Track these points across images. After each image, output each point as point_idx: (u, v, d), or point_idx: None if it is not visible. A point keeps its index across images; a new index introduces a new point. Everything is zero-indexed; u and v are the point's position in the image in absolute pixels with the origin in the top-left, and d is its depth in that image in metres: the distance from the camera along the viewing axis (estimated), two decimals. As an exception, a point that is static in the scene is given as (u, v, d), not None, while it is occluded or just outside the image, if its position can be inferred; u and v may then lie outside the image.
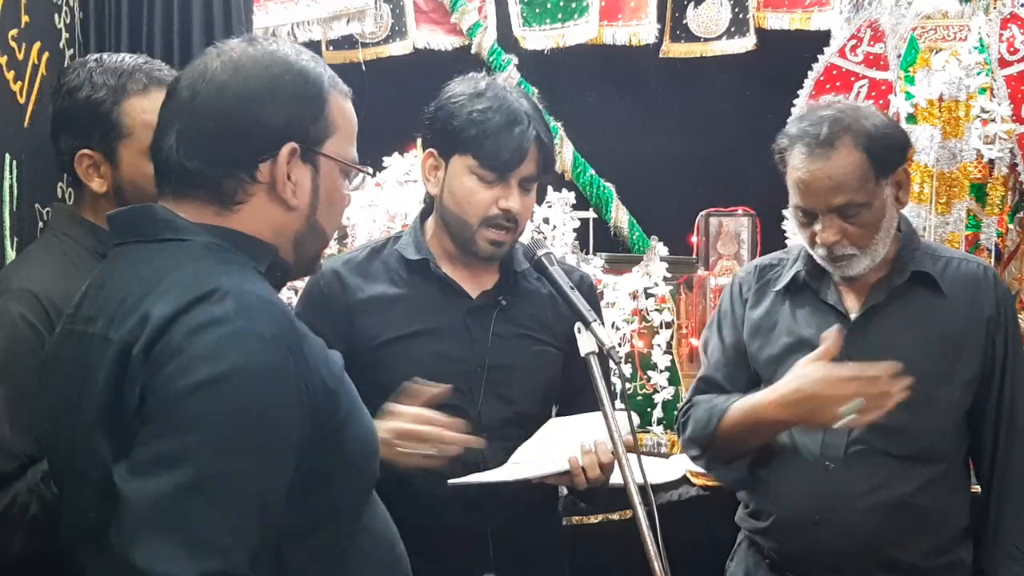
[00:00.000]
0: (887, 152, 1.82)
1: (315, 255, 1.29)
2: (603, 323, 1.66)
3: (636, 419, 2.73)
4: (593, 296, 1.97)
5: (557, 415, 1.94)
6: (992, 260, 2.90)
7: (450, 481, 1.68)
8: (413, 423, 1.58)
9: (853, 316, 1.89)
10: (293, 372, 1.07)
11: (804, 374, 1.75)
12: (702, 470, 2.24)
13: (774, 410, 1.79)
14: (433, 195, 1.84)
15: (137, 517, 1.00)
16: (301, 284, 2.74)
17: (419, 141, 1.89)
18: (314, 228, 1.25)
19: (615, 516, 2.47)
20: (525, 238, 2.99)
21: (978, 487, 1.95)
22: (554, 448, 1.70)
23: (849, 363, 1.75)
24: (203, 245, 1.15)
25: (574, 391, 1.89)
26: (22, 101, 1.90)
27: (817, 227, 1.83)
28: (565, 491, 2.23)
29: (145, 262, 1.15)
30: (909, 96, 2.93)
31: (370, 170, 1.31)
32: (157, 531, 0.99)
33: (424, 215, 1.90)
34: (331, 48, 3.55)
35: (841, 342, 1.75)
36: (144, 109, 1.66)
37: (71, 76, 1.68)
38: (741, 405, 1.88)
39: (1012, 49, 2.98)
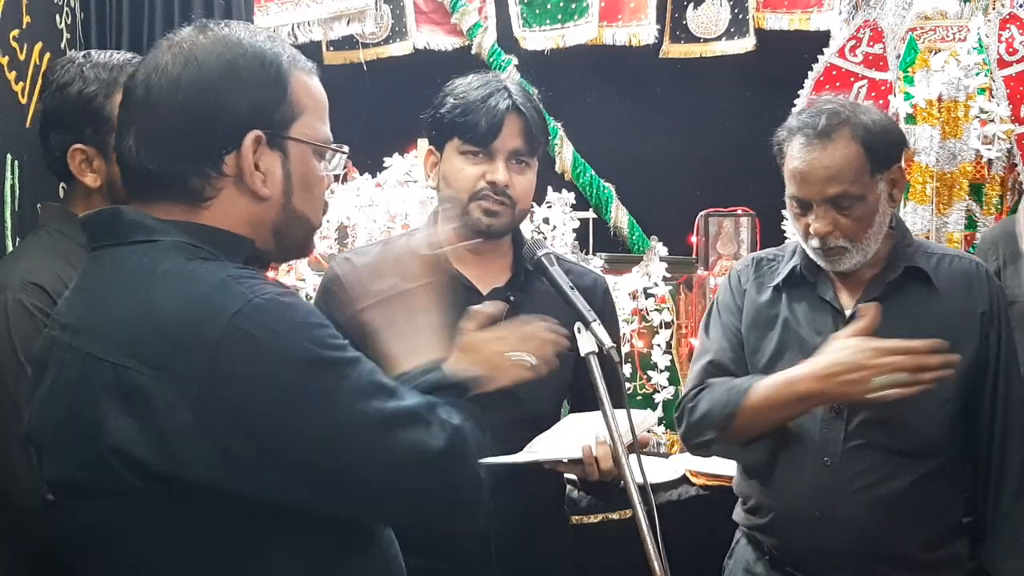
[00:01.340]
0: (884, 147, 1.85)
1: (301, 241, 1.24)
2: (618, 326, 1.65)
3: (653, 418, 2.74)
4: (609, 300, 1.98)
5: (569, 413, 1.94)
6: (990, 260, 2.90)
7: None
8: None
9: (848, 312, 1.90)
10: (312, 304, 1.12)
11: (842, 346, 1.74)
12: (712, 457, 2.24)
13: (809, 383, 1.76)
14: (434, 189, 1.88)
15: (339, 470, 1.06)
16: (300, 283, 2.76)
17: (420, 144, 1.91)
18: (292, 215, 1.19)
19: (615, 516, 2.48)
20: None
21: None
22: (570, 439, 1.71)
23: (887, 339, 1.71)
24: (174, 245, 1.12)
25: (586, 391, 1.89)
26: (24, 102, 1.90)
27: (811, 218, 1.85)
28: (566, 490, 2.24)
29: (118, 268, 1.12)
30: (908, 96, 2.94)
31: (345, 148, 1.25)
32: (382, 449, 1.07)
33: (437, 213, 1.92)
34: (331, 49, 3.56)
35: (880, 316, 1.74)
36: None
37: (60, 73, 1.69)
38: (771, 380, 1.85)
39: (1011, 50, 2.98)
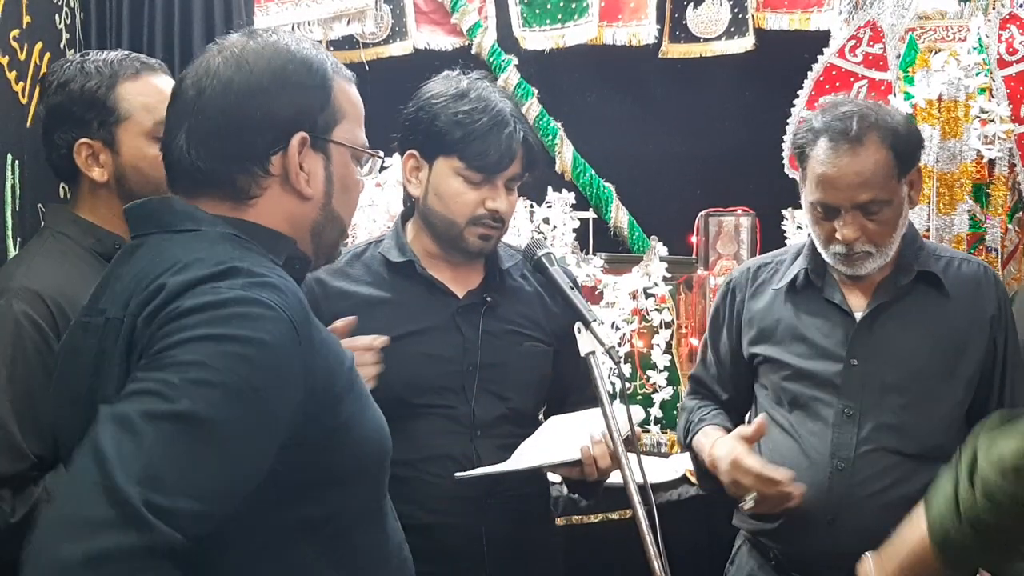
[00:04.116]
0: (909, 150, 1.84)
1: (334, 243, 1.29)
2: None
3: (641, 413, 2.75)
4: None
5: (545, 415, 1.94)
6: (997, 261, 2.90)
7: (457, 475, 1.69)
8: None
9: (858, 315, 1.90)
10: (297, 355, 1.06)
11: (727, 449, 1.84)
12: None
13: (709, 464, 1.90)
14: (415, 196, 1.84)
15: (104, 425, 0.96)
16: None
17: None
18: (331, 216, 1.25)
19: (615, 516, 2.48)
20: (526, 239, 3.02)
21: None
22: (559, 442, 1.71)
23: (756, 457, 1.82)
24: (222, 235, 1.16)
25: (564, 389, 1.90)
26: (24, 102, 1.90)
27: (838, 223, 1.82)
28: (565, 491, 2.25)
29: (165, 248, 1.15)
30: (908, 96, 2.94)
31: (381, 153, 1.31)
32: (116, 441, 0.94)
33: (404, 217, 1.90)
34: (331, 49, 3.55)
35: (764, 432, 1.84)
36: (139, 92, 1.67)
37: (60, 72, 1.69)
38: (699, 439, 2.00)
39: (1011, 49, 2.98)
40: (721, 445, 1.88)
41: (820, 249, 1.90)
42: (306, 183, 1.20)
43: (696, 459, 2.05)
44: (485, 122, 1.74)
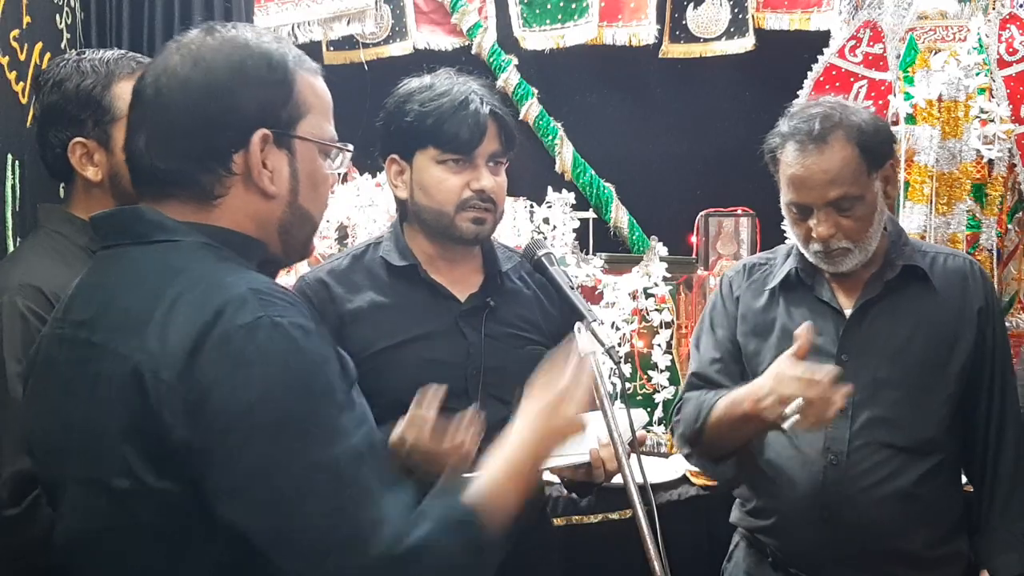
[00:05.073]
0: (877, 145, 1.86)
1: (304, 240, 1.26)
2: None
3: (644, 417, 2.75)
4: None
5: None
6: (992, 260, 2.91)
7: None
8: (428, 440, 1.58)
9: (848, 312, 1.91)
10: (326, 343, 1.11)
11: (772, 369, 1.75)
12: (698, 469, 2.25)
13: (750, 404, 1.76)
14: (403, 199, 1.84)
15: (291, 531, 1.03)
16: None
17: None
18: (298, 213, 1.21)
19: (615, 516, 2.48)
20: (525, 239, 3.02)
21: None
22: (564, 444, 1.71)
23: (807, 363, 1.70)
24: (197, 245, 1.14)
25: None
26: (24, 102, 1.90)
27: (812, 222, 1.85)
28: (565, 492, 2.25)
29: (142, 266, 1.13)
30: (908, 97, 2.94)
31: (350, 147, 1.27)
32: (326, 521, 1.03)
33: (402, 220, 1.90)
34: (331, 49, 3.56)
35: (812, 336, 1.72)
36: None
37: (55, 71, 1.69)
38: (726, 398, 1.87)
39: (1011, 50, 2.98)
40: (764, 375, 1.77)
41: (801, 249, 1.94)
42: (269, 181, 1.17)
43: (712, 432, 1.91)
44: (448, 103, 1.74)
